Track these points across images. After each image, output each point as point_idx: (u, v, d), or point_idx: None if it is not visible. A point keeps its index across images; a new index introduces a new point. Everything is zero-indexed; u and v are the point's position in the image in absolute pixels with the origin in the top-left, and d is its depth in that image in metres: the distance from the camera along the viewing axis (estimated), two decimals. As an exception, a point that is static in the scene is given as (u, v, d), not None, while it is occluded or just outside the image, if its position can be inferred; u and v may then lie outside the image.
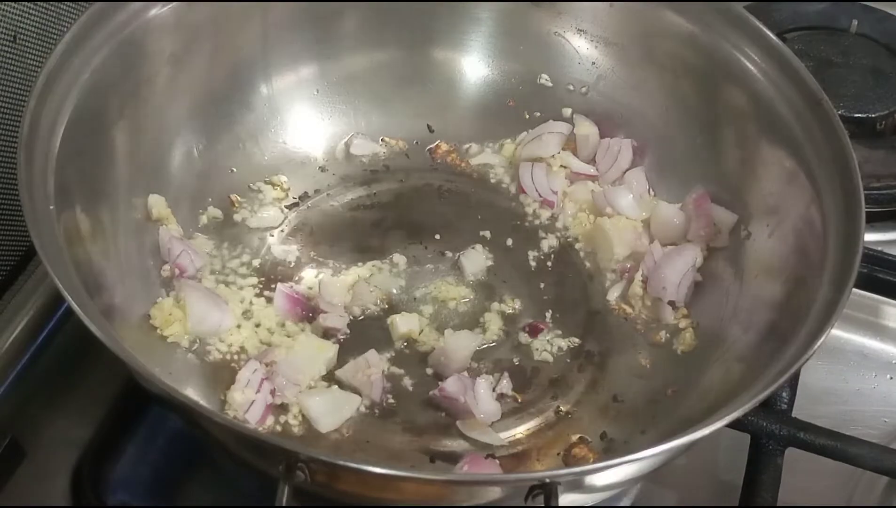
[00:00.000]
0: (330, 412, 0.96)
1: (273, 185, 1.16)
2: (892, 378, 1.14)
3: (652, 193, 1.18)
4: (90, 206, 0.95)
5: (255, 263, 1.09)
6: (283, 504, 0.74)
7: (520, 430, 0.98)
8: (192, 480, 0.99)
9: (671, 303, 1.07)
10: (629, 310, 1.09)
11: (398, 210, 1.18)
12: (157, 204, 1.04)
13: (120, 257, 0.98)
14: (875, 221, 1.27)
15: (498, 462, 0.94)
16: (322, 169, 1.20)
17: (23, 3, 1.07)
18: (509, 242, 1.15)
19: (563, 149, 1.21)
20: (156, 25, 1.03)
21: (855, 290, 0.87)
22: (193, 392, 0.95)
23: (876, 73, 1.40)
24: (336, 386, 0.99)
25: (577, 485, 0.81)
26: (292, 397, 0.96)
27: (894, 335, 1.18)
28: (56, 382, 1.03)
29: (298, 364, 0.97)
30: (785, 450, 0.98)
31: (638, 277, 1.09)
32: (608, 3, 1.18)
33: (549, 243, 1.15)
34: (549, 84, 1.23)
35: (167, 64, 1.06)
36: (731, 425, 0.83)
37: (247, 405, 0.93)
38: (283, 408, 0.96)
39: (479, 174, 1.22)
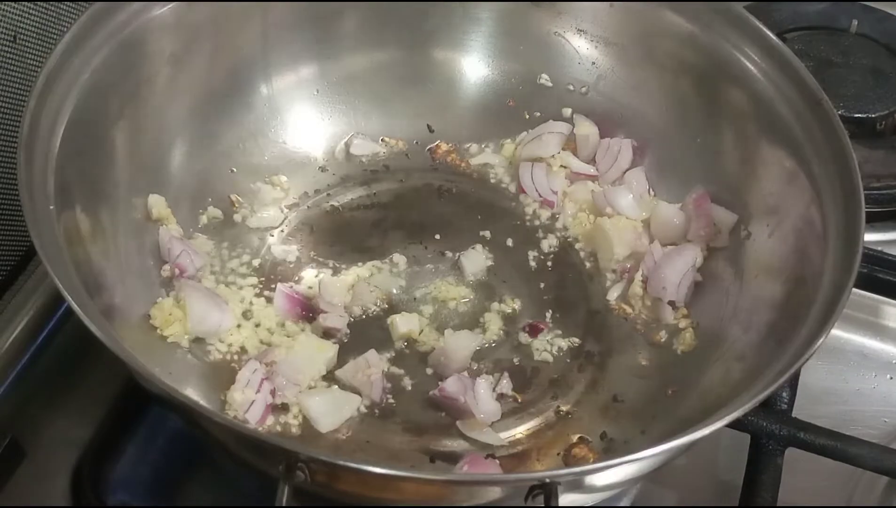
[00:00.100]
0: (330, 412, 0.96)
1: (273, 185, 1.16)
2: (892, 378, 1.14)
3: (652, 193, 1.18)
4: (90, 206, 0.95)
5: (255, 263, 1.09)
6: (283, 504, 0.74)
7: (520, 430, 0.98)
8: (192, 480, 0.99)
9: (671, 303, 1.07)
10: (629, 310, 1.09)
11: (398, 210, 1.18)
12: (157, 204, 1.04)
13: (120, 257, 0.98)
14: (875, 221, 1.27)
15: (498, 462, 0.94)
16: (322, 169, 1.20)
17: (23, 3, 1.07)
18: (509, 242, 1.15)
19: (563, 149, 1.21)
20: (156, 25, 1.03)
21: (855, 290, 0.87)
22: (193, 392, 0.95)
23: (876, 73, 1.40)
24: (336, 386, 0.99)
25: (577, 485, 0.81)
26: (292, 397, 0.96)
27: (894, 335, 1.18)
28: (56, 382, 1.03)
29: (298, 364, 0.97)
30: (785, 450, 0.98)
31: (638, 277, 1.09)
32: (608, 3, 1.18)
33: (549, 243, 1.15)
34: (549, 84, 1.23)
35: (167, 64, 1.06)
36: (731, 425, 0.83)
37: (247, 405, 0.93)
38: (283, 408, 0.96)
39: (479, 174, 1.22)
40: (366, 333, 1.04)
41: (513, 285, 1.11)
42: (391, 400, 0.99)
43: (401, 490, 0.79)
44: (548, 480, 0.73)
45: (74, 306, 0.77)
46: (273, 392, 0.95)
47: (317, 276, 1.09)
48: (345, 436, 0.96)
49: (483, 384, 0.97)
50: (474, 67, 1.24)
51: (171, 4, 1.04)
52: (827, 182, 0.97)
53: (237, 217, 1.12)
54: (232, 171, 1.15)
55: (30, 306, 1.03)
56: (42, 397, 1.01)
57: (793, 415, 1.02)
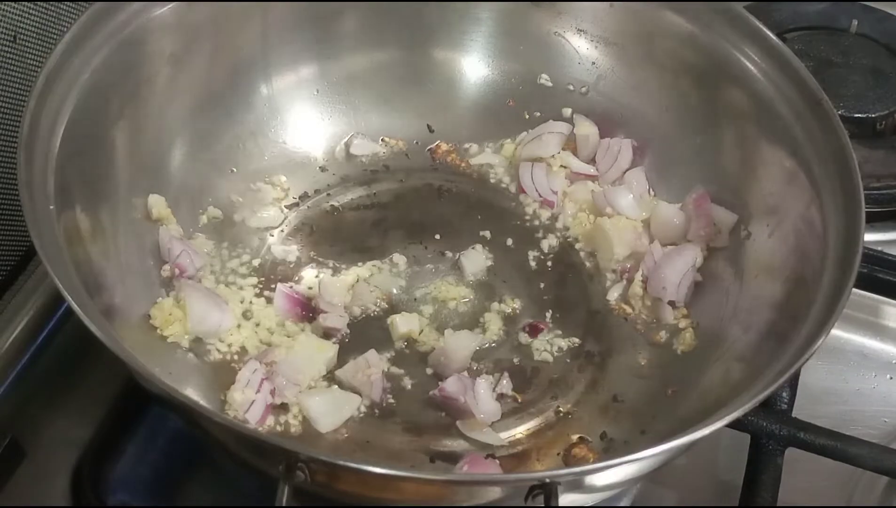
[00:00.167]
0: (330, 412, 0.96)
1: (273, 185, 1.16)
2: (892, 378, 1.14)
3: (652, 193, 1.18)
4: (90, 206, 0.95)
5: (255, 263, 1.09)
6: (283, 504, 0.74)
7: (520, 430, 0.98)
8: (192, 480, 0.99)
9: (671, 303, 1.07)
10: (629, 310, 1.09)
11: (398, 210, 1.18)
12: (157, 204, 1.04)
13: (120, 257, 0.98)
14: (875, 221, 1.27)
15: (498, 462, 0.94)
16: (322, 169, 1.20)
17: (23, 3, 1.07)
18: (509, 242, 1.15)
19: (563, 149, 1.21)
20: (156, 25, 1.03)
21: (855, 290, 0.87)
22: (193, 392, 0.95)
23: (876, 73, 1.40)
24: (336, 386, 0.99)
25: (577, 485, 0.81)
26: (292, 397, 0.96)
27: (894, 335, 1.18)
28: (56, 382, 1.03)
29: (298, 364, 0.97)
30: (785, 450, 0.98)
31: (638, 277, 1.09)
32: (608, 3, 1.18)
33: (549, 243, 1.15)
34: (549, 84, 1.23)
35: (167, 64, 1.06)
36: (731, 425, 0.83)
37: (247, 405, 0.93)
38: (283, 408, 0.96)
39: (479, 174, 1.22)
40: (366, 333, 1.04)
41: (513, 285, 1.11)
42: (391, 400, 0.99)
43: (401, 490, 0.79)
44: (548, 480, 0.73)
45: (74, 307, 0.77)
46: (273, 392, 0.95)
47: (317, 276, 1.09)
48: (345, 436, 0.96)
49: (483, 384, 0.97)
50: (474, 67, 1.24)
51: (171, 4, 1.04)
52: (827, 182, 0.97)
53: (237, 217, 1.12)
54: (232, 171, 1.14)
55: (30, 306, 1.03)
56: (42, 397, 1.01)
57: (793, 415, 1.02)
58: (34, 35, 1.09)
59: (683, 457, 0.95)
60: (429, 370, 1.02)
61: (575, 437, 0.97)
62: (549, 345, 1.05)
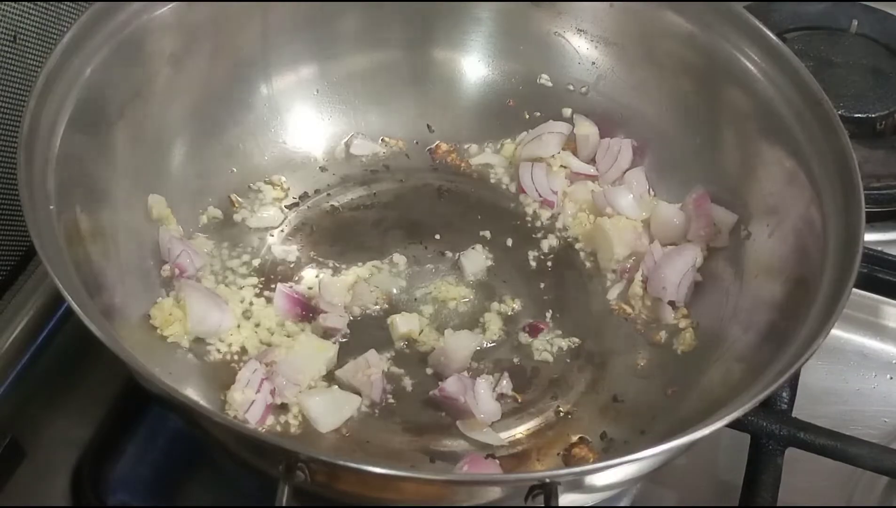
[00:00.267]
0: (330, 412, 0.96)
1: (273, 185, 1.16)
2: (892, 378, 1.14)
3: (652, 193, 1.18)
4: (90, 206, 0.95)
5: (255, 263, 1.09)
6: (283, 504, 0.74)
7: (520, 430, 0.98)
8: (192, 480, 0.99)
9: (671, 303, 1.07)
10: (629, 310, 1.09)
11: (398, 210, 1.18)
12: (157, 204, 1.04)
13: (120, 257, 0.98)
14: (875, 221, 1.27)
15: (498, 462, 0.94)
16: (322, 169, 1.20)
17: (23, 3, 1.07)
18: (509, 242, 1.15)
19: (563, 149, 1.21)
20: (156, 25, 1.03)
21: (855, 290, 0.87)
22: (193, 392, 0.95)
23: (876, 73, 1.40)
24: (336, 386, 0.99)
25: (577, 485, 0.81)
26: (292, 397, 0.96)
27: (894, 335, 1.18)
28: (56, 382, 1.03)
29: (298, 364, 0.97)
30: (785, 450, 0.98)
31: (638, 277, 1.09)
32: (608, 3, 1.18)
33: (549, 243, 1.15)
34: (549, 84, 1.23)
35: (167, 64, 1.06)
36: (731, 425, 0.83)
37: (247, 405, 0.93)
38: (283, 408, 0.96)
39: (479, 174, 1.22)
40: (366, 333, 1.04)
41: (513, 285, 1.11)
42: (391, 400, 0.99)
43: (401, 490, 0.79)
44: (548, 480, 0.73)
45: (74, 307, 0.77)
46: (273, 392, 0.95)
47: (317, 276, 1.09)
48: (345, 436, 0.96)
49: (483, 384, 0.97)
50: (474, 67, 1.24)
51: (171, 4, 1.04)
52: (827, 182, 0.97)
53: (237, 217, 1.12)
54: (232, 171, 1.15)
55: (30, 306, 1.03)
56: (42, 397, 1.01)
57: (793, 415, 1.02)
58: (34, 35, 1.09)
59: (683, 457, 0.95)
60: (429, 370, 1.02)
61: (575, 437, 0.97)
62: (549, 345, 1.05)
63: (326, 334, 1.02)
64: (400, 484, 0.77)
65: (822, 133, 1.00)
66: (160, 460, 0.99)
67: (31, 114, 0.88)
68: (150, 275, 1.02)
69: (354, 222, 1.16)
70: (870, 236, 1.00)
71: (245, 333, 1.01)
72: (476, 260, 1.12)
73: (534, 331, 1.06)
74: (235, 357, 1.00)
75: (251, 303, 1.04)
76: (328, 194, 1.18)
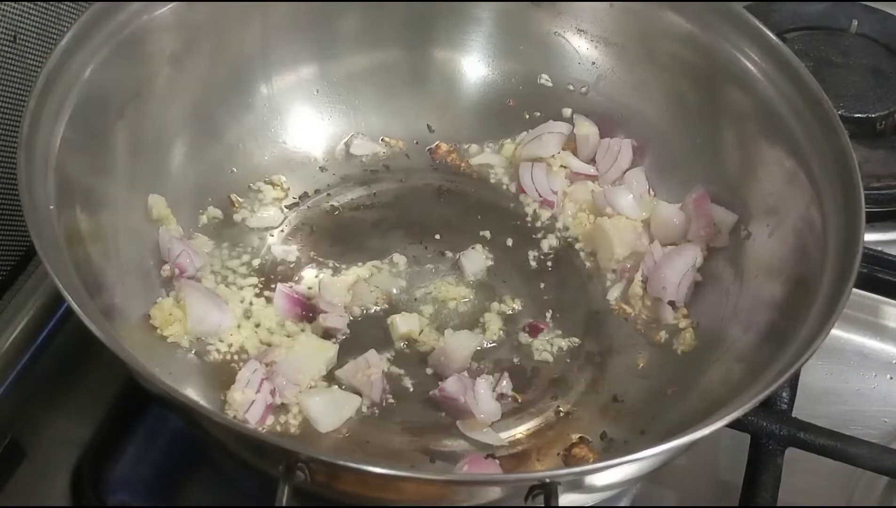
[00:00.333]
0: (330, 412, 0.96)
1: (273, 185, 1.16)
2: (892, 378, 1.14)
3: (652, 193, 1.18)
4: (90, 206, 0.95)
5: (255, 263, 1.09)
6: (283, 504, 0.74)
7: (520, 430, 0.98)
8: (192, 480, 0.99)
9: (671, 303, 1.07)
10: (629, 310, 1.09)
11: (398, 210, 1.18)
12: (157, 204, 1.04)
13: (120, 257, 0.98)
14: (875, 221, 1.27)
15: (498, 462, 0.94)
16: (322, 169, 1.20)
17: (23, 3, 1.07)
18: (509, 242, 1.15)
19: (563, 149, 1.21)
20: (156, 25, 1.03)
21: (855, 290, 0.87)
22: (193, 392, 0.95)
23: (876, 73, 1.40)
24: (336, 386, 0.99)
25: (577, 485, 0.81)
26: (292, 397, 0.96)
27: (894, 335, 1.18)
28: (56, 382, 1.03)
29: (298, 364, 0.97)
30: (785, 450, 0.98)
31: (638, 277, 1.09)
32: (608, 3, 1.18)
33: (549, 243, 1.15)
34: (549, 84, 1.23)
35: (167, 64, 1.06)
36: (731, 425, 0.83)
37: (247, 405, 0.93)
38: (283, 408, 0.96)
39: (479, 174, 1.22)
40: (366, 333, 1.04)
41: (513, 285, 1.11)
42: (391, 400, 0.99)
43: (401, 490, 0.79)
44: (548, 480, 0.73)
45: (74, 307, 0.77)
46: (273, 392, 0.95)
47: (317, 276, 1.09)
48: (345, 436, 0.96)
49: (483, 384, 0.97)
50: (474, 67, 1.24)
51: (171, 4, 1.04)
52: (827, 182, 0.97)
53: (237, 217, 1.12)
54: (232, 171, 1.15)
55: (30, 306, 1.03)
56: (42, 397, 1.01)
57: (793, 415, 1.02)
58: (34, 35, 1.09)
59: (683, 457, 0.95)
60: (429, 370, 1.02)
61: (575, 437, 0.97)
62: (549, 345, 1.05)
63: (326, 334, 1.02)
64: (400, 484, 0.77)
65: (822, 133, 1.00)
66: (160, 460, 0.99)
67: (31, 114, 0.88)
68: (150, 275, 1.02)
69: (354, 222, 1.16)
70: (870, 236, 1.00)
71: (245, 333, 1.01)
72: (476, 260, 1.12)
73: (534, 331, 1.06)
74: (235, 357, 1.00)
75: (251, 303, 1.04)
76: (328, 194, 1.18)
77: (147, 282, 1.01)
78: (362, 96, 1.22)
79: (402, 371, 1.01)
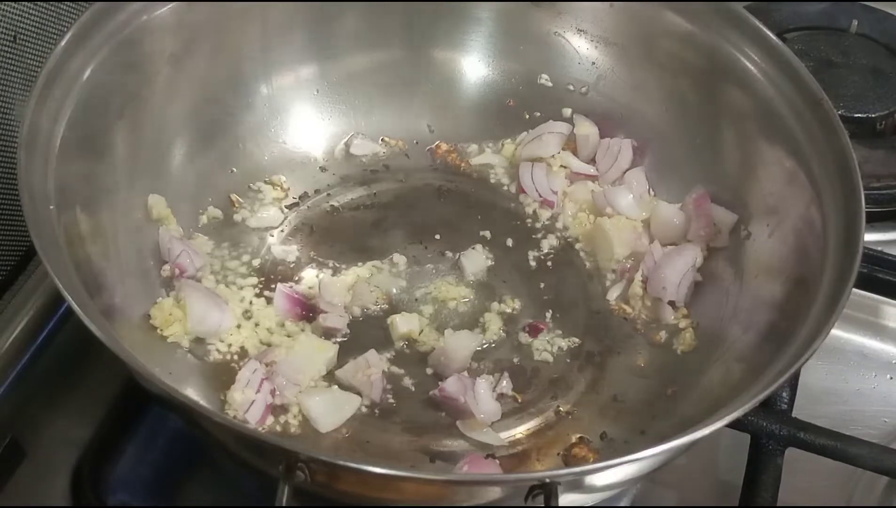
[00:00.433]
0: (330, 412, 0.96)
1: (273, 185, 1.16)
2: (892, 378, 1.14)
3: (652, 193, 1.18)
4: (90, 206, 0.95)
5: (255, 263, 1.09)
6: (283, 504, 0.74)
7: (520, 430, 0.98)
8: (192, 480, 0.99)
9: (671, 303, 1.07)
10: (629, 310, 1.09)
11: (398, 210, 1.18)
12: (157, 204, 1.04)
13: (120, 257, 0.98)
14: (875, 221, 1.27)
15: (498, 462, 0.94)
16: (322, 169, 1.20)
17: (23, 3, 1.07)
18: (509, 242, 1.15)
19: (563, 149, 1.21)
20: (156, 25, 1.03)
21: (855, 290, 0.87)
22: (193, 392, 0.95)
23: (876, 73, 1.40)
24: (336, 386, 0.99)
25: (577, 485, 0.81)
26: (292, 397, 0.96)
27: (894, 335, 1.18)
28: (56, 382, 1.03)
29: (298, 364, 0.97)
30: (785, 450, 0.98)
31: (638, 277, 1.09)
32: (608, 3, 1.18)
33: (549, 243, 1.15)
34: (549, 84, 1.23)
35: (167, 64, 1.06)
36: (731, 425, 0.83)
37: (247, 405, 0.93)
38: (283, 408, 0.96)
39: (479, 174, 1.22)
40: (366, 333, 1.04)
41: (513, 285, 1.11)
42: (391, 400, 0.99)
43: (401, 490, 0.79)
44: (548, 480, 0.73)
45: (74, 307, 0.77)
46: (273, 392, 0.95)
47: (317, 276, 1.09)
48: (345, 436, 0.96)
49: (483, 384, 0.97)
50: (474, 67, 1.24)
51: (171, 4, 1.04)
52: (827, 182, 0.97)
53: (237, 217, 1.12)
54: (232, 171, 1.15)
55: (30, 306, 1.03)
56: (42, 397, 1.01)
57: (793, 415, 1.02)
58: (34, 35, 1.09)
59: (683, 457, 0.95)
60: (429, 370, 1.02)
61: (575, 437, 0.97)
62: (549, 345, 1.05)
63: (326, 334, 1.02)
64: (400, 484, 0.77)
65: (822, 133, 1.00)
66: (160, 460, 0.99)
67: (31, 114, 0.88)
68: (150, 275, 1.02)
69: (354, 222, 1.16)
70: (870, 236, 1.00)
71: (245, 333, 1.01)
72: (476, 260, 1.12)
73: (534, 331, 1.06)
74: (235, 357, 1.00)
75: (251, 303, 1.04)
76: (328, 194, 1.18)
77: (147, 282, 1.01)
78: (362, 96, 1.22)
79: (402, 371, 1.01)
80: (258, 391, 0.94)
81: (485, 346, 1.05)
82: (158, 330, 0.98)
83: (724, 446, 1.04)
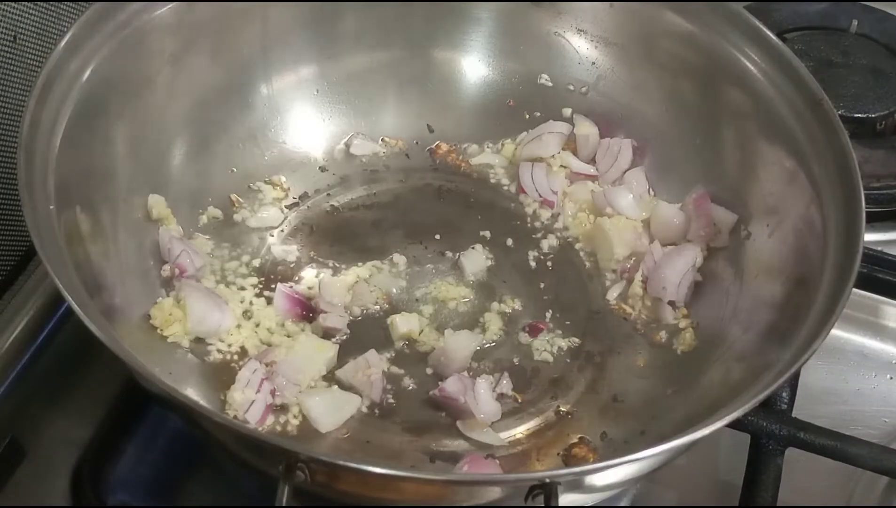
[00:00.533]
0: (330, 412, 0.96)
1: (273, 185, 1.16)
2: (892, 378, 1.14)
3: (652, 193, 1.18)
4: (90, 206, 0.95)
5: (255, 263, 1.09)
6: (283, 504, 0.74)
7: (520, 430, 0.98)
8: (192, 480, 0.99)
9: (671, 303, 1.07)
10: (629, 310, 1.09)
11: (398, 210, 1.18)
12: (157, 204, 1.04)
13: (120, 257, 0.98)
14: (875, 221, 1.27)
15: (498, 462, 0.94)
16: (322, 169, 1.20)
17: (23, 3, 1.07)
18: (509, 242, 1.15)
19: (563, 149, 1.21)
20: (156, 25, 1.03)
21: (855, 290, 0.87)
22: (193, 392, 0.95)
23: (876, 73, 1.40)
24: (336, 386, 0.99)
25: (577, 485, 0.81)
26: (292, 397, 0.96)
27: (894, 335, 1.18)
28: (56, 382, 1.03)
29: (298, 364, 0.97)
30: (785, 450, 0.98)
31: (638, 277, 1.09)
32: (608, 3, 1.18)
33: (549, 243, 1.15)
34: (549, 84, 1.23)
35: (167, 64, 1.06)
36: (731, 425, 0.83)
37: (247, 405, 0.93)
38: (283, 408, 0.96)
39: (479, 174, 1.23)
40: (366, 333, 1.04)
41: (513, 285, 1.11)
42: (391, 400, 0.99)
43: (401, 490, 0.79)
44: (548, 480, 0.73)
45: (74, 307, 0.77)
46: (273, 392, 0.95)
47: (317, 276, 1.09)
48: (345, 436, 0.96)
49: (483, 384, 0.97)
50: (474, 67, 1.24)
51: (171, 4, 1.04)
52: (827, 182, 0.97)
53: (237, 217, 1.12)
54: (232, 171, 1.15)
55: (30, 306, 1.03)
56: (42, 397, 1.01)
57: (793, 415, 1.02)
58: (34, 35, 1.09)
59: (683, 457, 0.95)
60: (429, 370, 1.02)
61: (575, 437, 0.97)
62: (549, 345, 1.05)
63: (326, 334, 1.02)
64: (400, 484, 0.77)
65: (822, 133, 1.00)
66: (160, 460, 0.99)
67: (31, 114, 0.88)
68: (150, 275, 1.02)
69: (354, 222, 1.16)
70: (870, 236, 1.00)
71: (245, 333, 1.01)
72: (476, 260, 1.12)
73: (534, 331, 1.06)
74: (235, 357, 1.00)
75: (251, 303, 1.04)
76: (328, 194, 1.18)
77: (147, 282, 1.01)
78: (362, 96, 1.22)
79: (402, 371, 1.01)
80: (258, 391, 0.94)
81: (485, 346, 1.05)
82: (158, 330, 0.98)
83: (724, 446, 1.04)
